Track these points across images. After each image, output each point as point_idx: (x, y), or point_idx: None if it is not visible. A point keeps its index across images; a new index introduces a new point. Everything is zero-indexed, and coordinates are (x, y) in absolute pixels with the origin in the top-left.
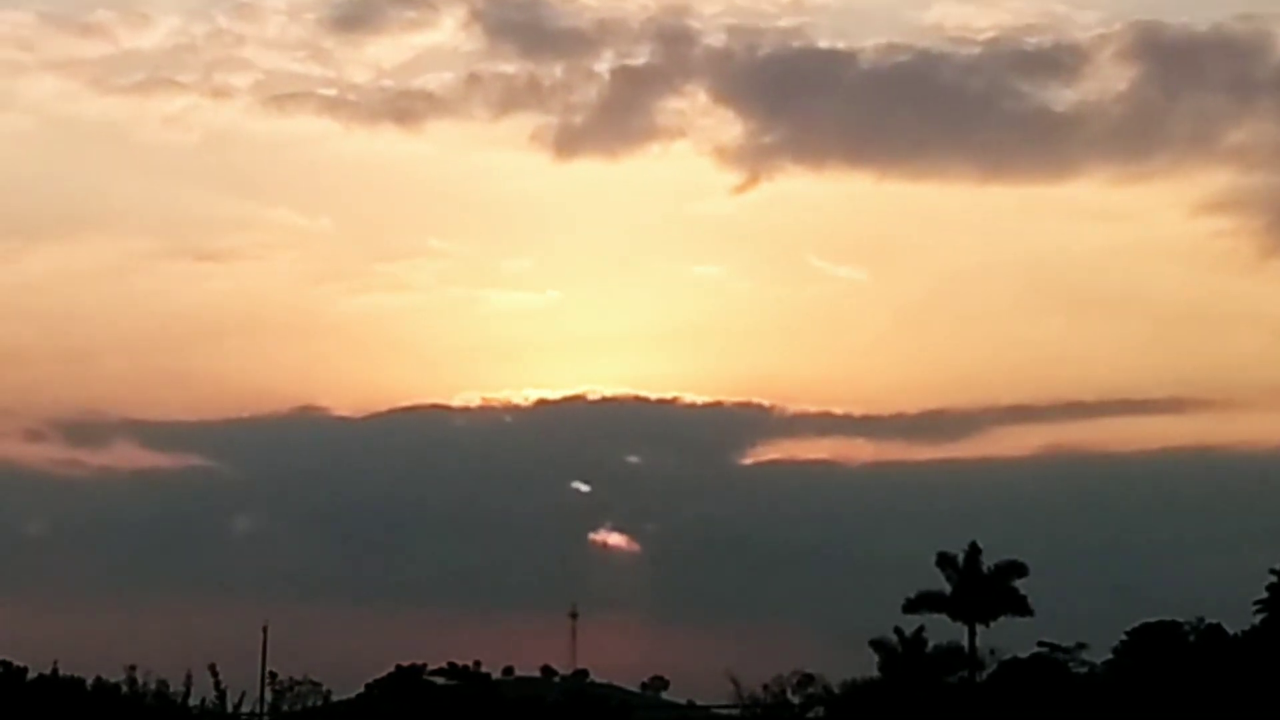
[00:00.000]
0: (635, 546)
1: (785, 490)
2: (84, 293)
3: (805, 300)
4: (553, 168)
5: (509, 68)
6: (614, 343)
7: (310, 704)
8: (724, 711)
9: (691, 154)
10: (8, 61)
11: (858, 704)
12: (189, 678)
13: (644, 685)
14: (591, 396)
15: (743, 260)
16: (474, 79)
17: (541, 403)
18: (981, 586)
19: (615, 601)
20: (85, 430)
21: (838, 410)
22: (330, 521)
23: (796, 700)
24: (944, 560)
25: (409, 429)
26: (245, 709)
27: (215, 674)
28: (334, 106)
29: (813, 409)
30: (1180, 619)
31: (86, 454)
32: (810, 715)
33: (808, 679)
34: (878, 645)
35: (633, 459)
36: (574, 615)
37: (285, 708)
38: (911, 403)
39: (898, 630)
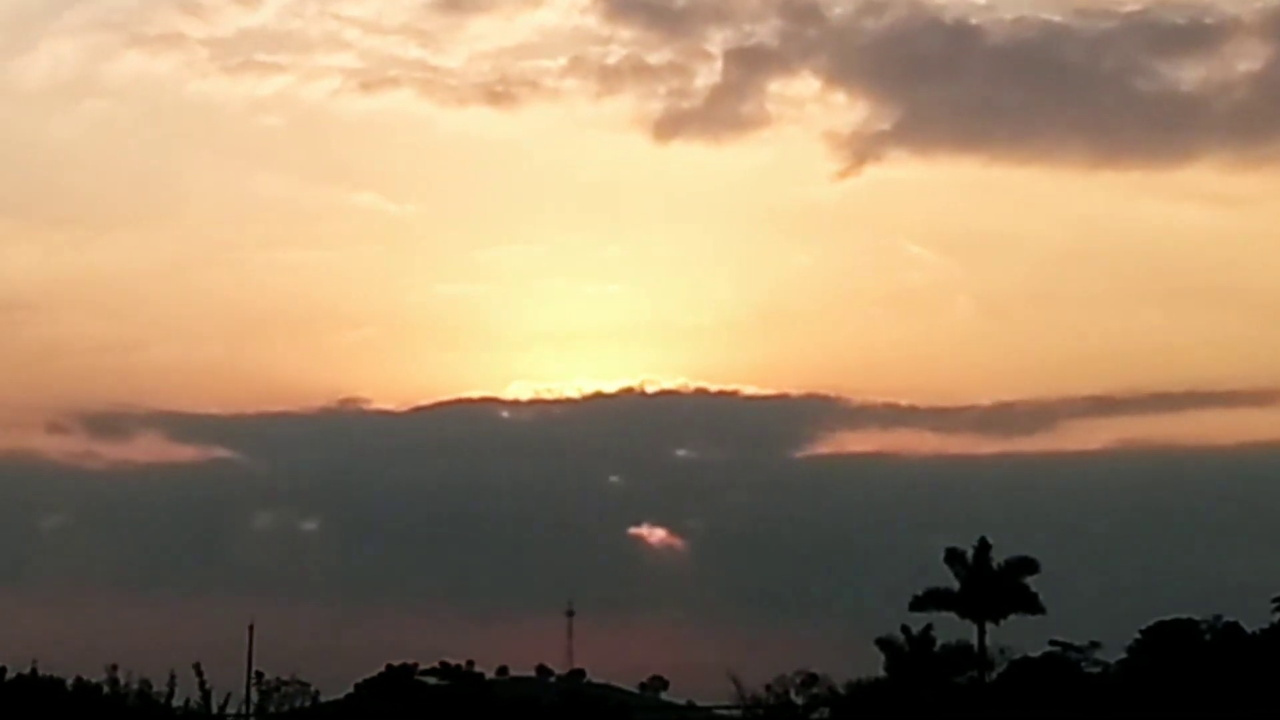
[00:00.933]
0: (675, 542)
1: (838, 484)
2: (149, 281)
3: (892, 289)
4: (652, 152)
5: (617, 48)
6: (680, 332)
7: (298, 705)
8: (725, 713)
9: (796, 138)
10: (99, 44)
11: (863, 705)
12: (173, 678)
13: (642, 685)
14: (649, 389)
15: (835, 249)
16: (578, 60)
17: (597, 395)
18: (991, 583)
19: (640, 600)
20: (113, 421)
21: (905, 402)
22: (356, 519)
23: (800, 701)
24: (952, 556)
25: (449, 423)
26: (231, 710)
27: (200, 674)
28: (431, 88)
29: (880, 400)
30: (1196, 617)
31: (106, 446)
32: (814, 716)
33: (812, 679)
34: (884, 644)
35: (682, 453)
36: (570, 613)
37: (271, 709)
38: (986, 394)
39: (905, 629)
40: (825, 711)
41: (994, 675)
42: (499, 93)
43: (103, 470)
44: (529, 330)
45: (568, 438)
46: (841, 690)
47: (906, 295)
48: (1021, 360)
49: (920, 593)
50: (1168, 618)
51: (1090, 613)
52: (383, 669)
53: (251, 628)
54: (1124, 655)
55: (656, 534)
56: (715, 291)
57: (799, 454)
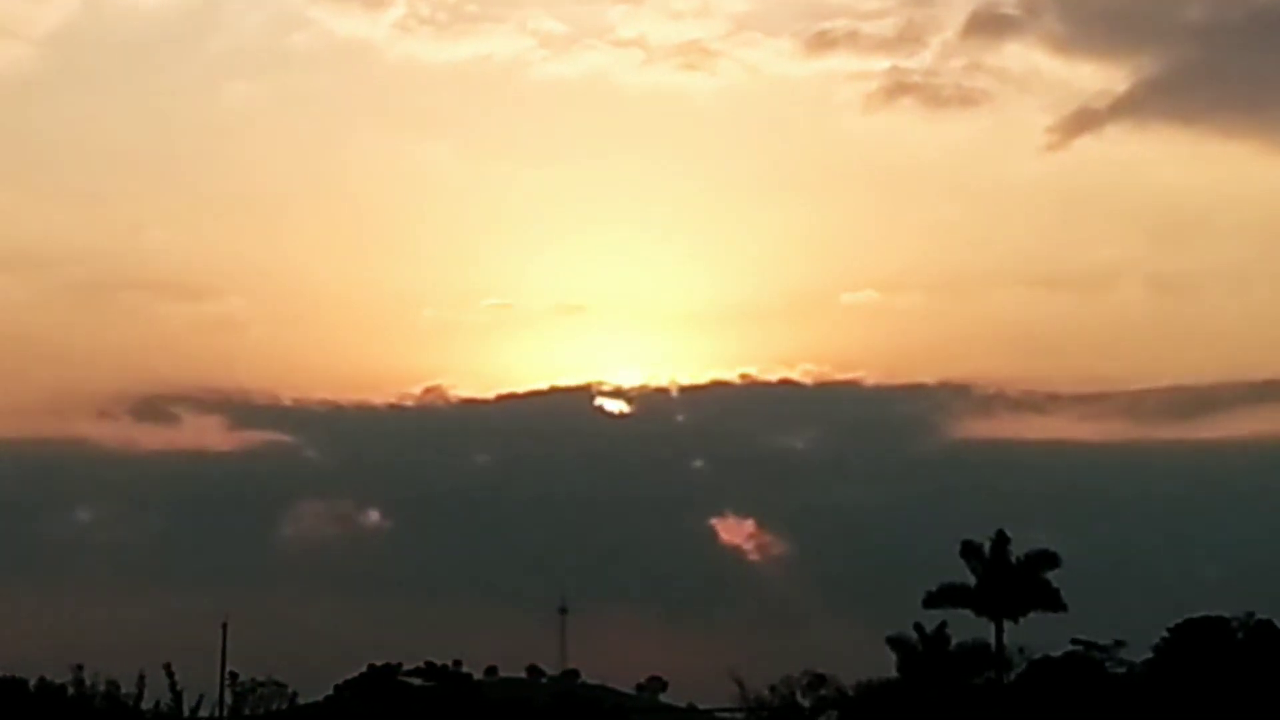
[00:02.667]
0: (765, 539)
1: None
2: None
3: (1069, 268)
4: (860, 120)
5: (841, 17)
6: (822, 313)
7: (274, 707)
8: (726, 715)
9: (1012, 111)
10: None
11: (873, 707)
12: (142, 678)
13: (639, 687)
14: (770, 375)
15: (1021, 225)
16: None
17: (691, 387)
18: (1010, 578)
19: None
20: (157, 406)
21: (1050, 389)
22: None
23: (807, 703)
24: (969, 550)
25: (521, 414)
26: (203, 712)
27: (170, 674)
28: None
29: (1031, 387)
30: (1227, 614)
31: (145, 432)
32: (821, 719)
33: (819, 680)
34: (895, 643)
35: (781, 444)
36: (563, 611)
37: (247, 711)
38: (1156, 378)
39: (918, 626)
40: (833, 714)
41: (1012, 676)
42: (695, 60)
43: (126, 458)
44: (654, 312)
45: (660, 430)
46: (850, 692)
47: (1082, 274)
48: (1198, 344)
49: (934, 588)
50: (1196, 615)
51: (1114, 610)
52: (364, 669)
53: (225, 626)
54: (1150, 655)
55: (745, 529)
56: (871, 272)
57: (923, 445)
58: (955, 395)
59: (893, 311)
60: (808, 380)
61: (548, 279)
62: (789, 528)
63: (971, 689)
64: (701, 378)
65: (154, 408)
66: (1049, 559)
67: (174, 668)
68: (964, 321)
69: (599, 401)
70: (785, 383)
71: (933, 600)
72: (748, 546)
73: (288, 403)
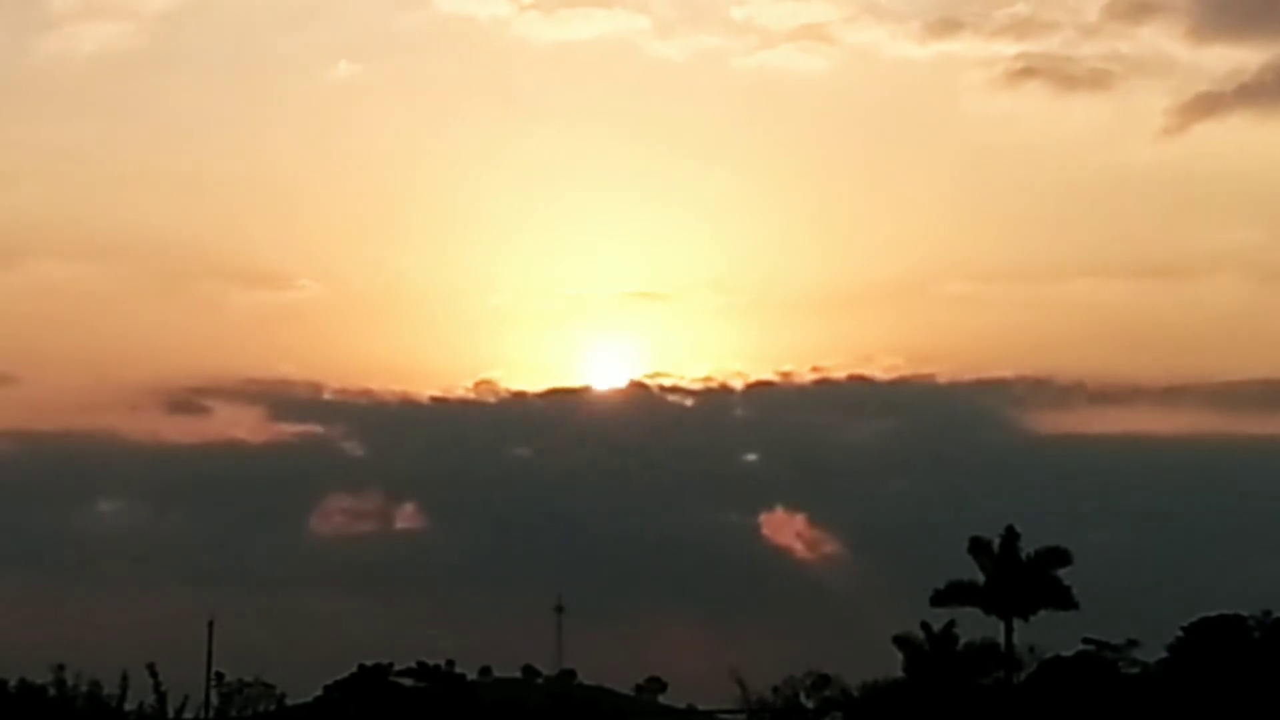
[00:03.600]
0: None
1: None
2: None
3: (1179, 257)
4: (976, 106)
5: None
6: (911, 304)
7: (262, 708)
8: (728, 717)
9: (1134, 93)
10: None
11: (879, 708)
12: (125, 678)
13: (638, 688)
14: (838, 373)
15: (1123, 214)
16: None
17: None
18: (1019, 576)
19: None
20: (193, 397)
21: (1134, 381)
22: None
23: (810, 704)
24: (977, 546)
25: (567, 409)
26: (188, 714)
27: (154, 674)
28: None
29: (1116, 379)
30: (1243, 612)
31: (176, 424)
32: None
33: (823, 680)
34: (902, 642)
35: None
36: (559, 609)
37: (233, 712)
38: (1246, 371)
39: (925, 625)
40: (838, 715)
41: (1022, 676)
42: (811, 43)
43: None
44: (728, 302)
45: (718, 426)
46: (855, 692)
47: (1186, 264)
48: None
49: (942, 586)
50: (1211, 613)
51: (1128, 608)
52: (355, 669)
53: (211, 625)
54: (1164, 654)
55: (793, 526)
56: (969, 261)
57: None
58: (1034, 389)
59: (983, 302)
60: (884, 375)
61: (628, 267)
62: (843, 526)
63: (980, 689)
64: (768, 371)
65: (191, 399)
66: (1060, 556)
67: (158, 668)
68: (1055, 312)
69: (659, 396)
70: (857, 378)
71: (940, 598)
72: (795, 544)
73: (327, 395)
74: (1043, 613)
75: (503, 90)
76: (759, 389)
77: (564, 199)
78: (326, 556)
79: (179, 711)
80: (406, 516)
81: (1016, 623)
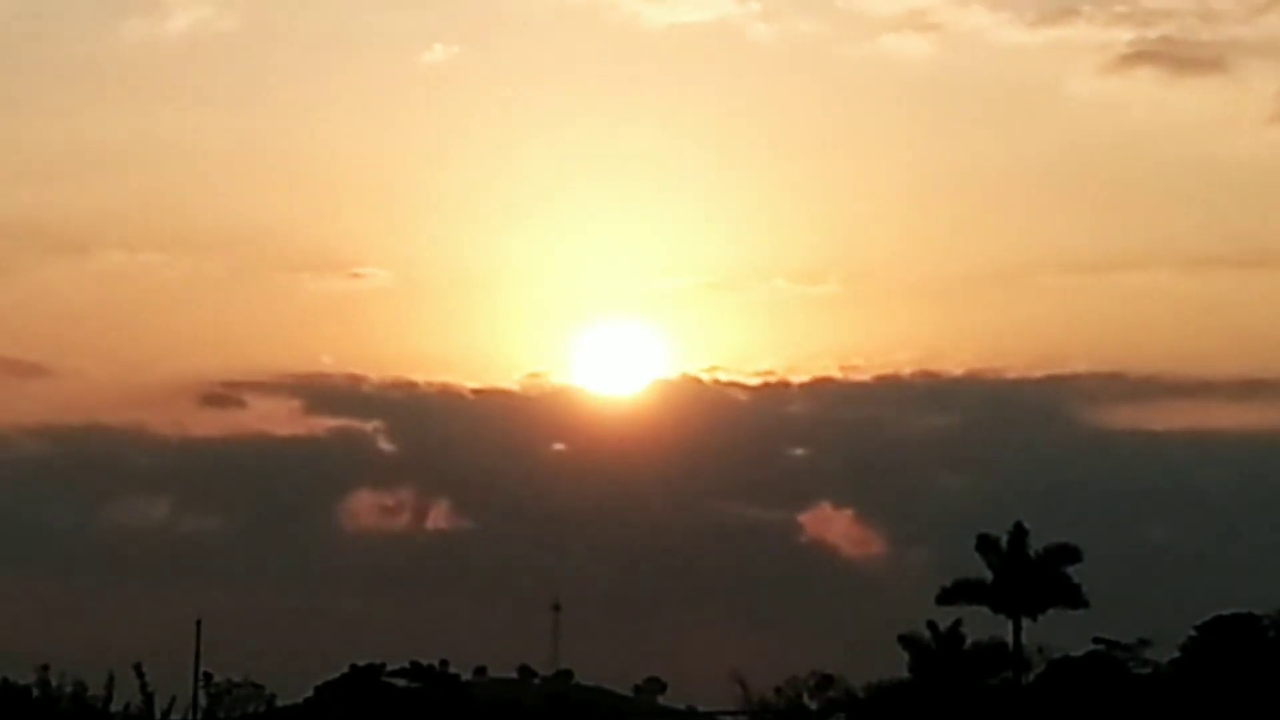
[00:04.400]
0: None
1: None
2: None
3: (1273, 250)
4: (1090, 87)
5: None
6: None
7: (251, 709)
8: (729, 718)
9: (1247, 79)
10: None
11: (884, 709)
12: (111, 679)
13: (637, 688)
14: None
15: (1230, 201)
16: None
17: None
18: (1028, 573)
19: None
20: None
21: (1207, 376)
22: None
23: (814, 705)
24: (984, 543)
25: (616, 404)
26: (176, 715)
27: (141, 675)
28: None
29: (1189, 373)
30: (1258, 611)
31: (213, 416)
32: None
33: (826, 680)
34: (908, 641)
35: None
36: (557, 608)
37: (222, 713)
38: None
39: (931, 624)
40: (842, 716)
41: (1031, 676)
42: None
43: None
44: (795, 294)
45: (771, 423)
46: (860, 693)
47: (1273, 255)
48: None
49: (949, 584)
50: (1226, 612)
51: (1138, 607)
52: (346, 669)
53: (199, 624)
54: (1177, 654)
55: (840, 523)
56: (1055, 253)
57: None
58: (1104, 384)
59: (1067, 295)
60: (954, 370)
61: (710, 257)
62: (894, 523)
63: (987, 690)
64: (832, 367)
65: (230, 391)
66: (1069, 553)
67: (145, 668)
68: (1135, 305)
69: (715, 390)
70: (925, 374)
71: (947, 596)
72: (841, 542)
73: (367, 387)
74: (1052, 611)
75: (595, 75)
76: (820, 384)
77: (634, 188)
78: (332, 554)
79: (166, 712)
80: (439, 515)
81: (1025, 622)
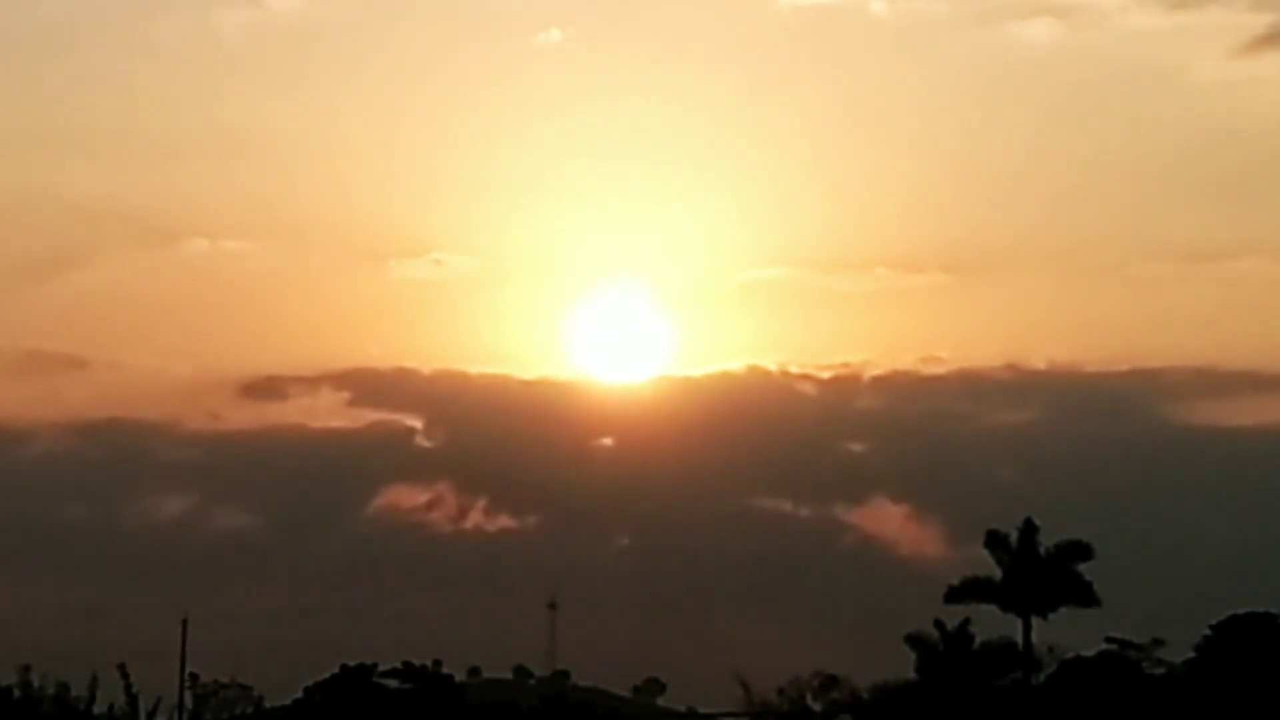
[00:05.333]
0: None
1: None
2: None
3: None
4: (1216, 71)
5: None
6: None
7: (238, 711)
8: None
9: None
10: None
11: (890, 710)
12: (94, 679)
13: (636, 689)
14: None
15: None
16: None
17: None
18: (1038, 571)
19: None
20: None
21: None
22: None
23: (818, 707)
24: (993, 540)
25: (674, 395)
26: (161, 716)
27: (125, 675)
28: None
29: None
30: (1275, 610)
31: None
32: None
33: (830, 681)
34: (914, 641)
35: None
36: (553, 606)
37: (208, 715)
38: None
39: (938, 623)
40: (846, 718)
41: (1041, 677)
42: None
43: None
44: (872, 285)
45: (837, 417)
46: (865, 694)
47: None
48: None
49: (957, 582)
50: (1241, 611)
51: (1152, 606)
52: (336, 670)
53: (185, 623)
54: (1192, 654)
55: (897, 518)
56: (1170, 243)
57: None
58: (1190, 379)
59: (1164, 285)
60: (1038, 363)
61: (808, 246)
62: (952, 521)
63: (997, 691)
64: (912, 360)
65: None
66: (1081, 550)
67: (129, 668)
68: (1229, 296)
69: (781, 382)
70: (1009, 367)
71: (955, 595)
72: (898, 538)
73: (417, 379)
74: (1063, 610)
75: (709, 59)
76: (894, 378)
77: (732, 175)
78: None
79: (151, 714)
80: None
81: (1035, 621)
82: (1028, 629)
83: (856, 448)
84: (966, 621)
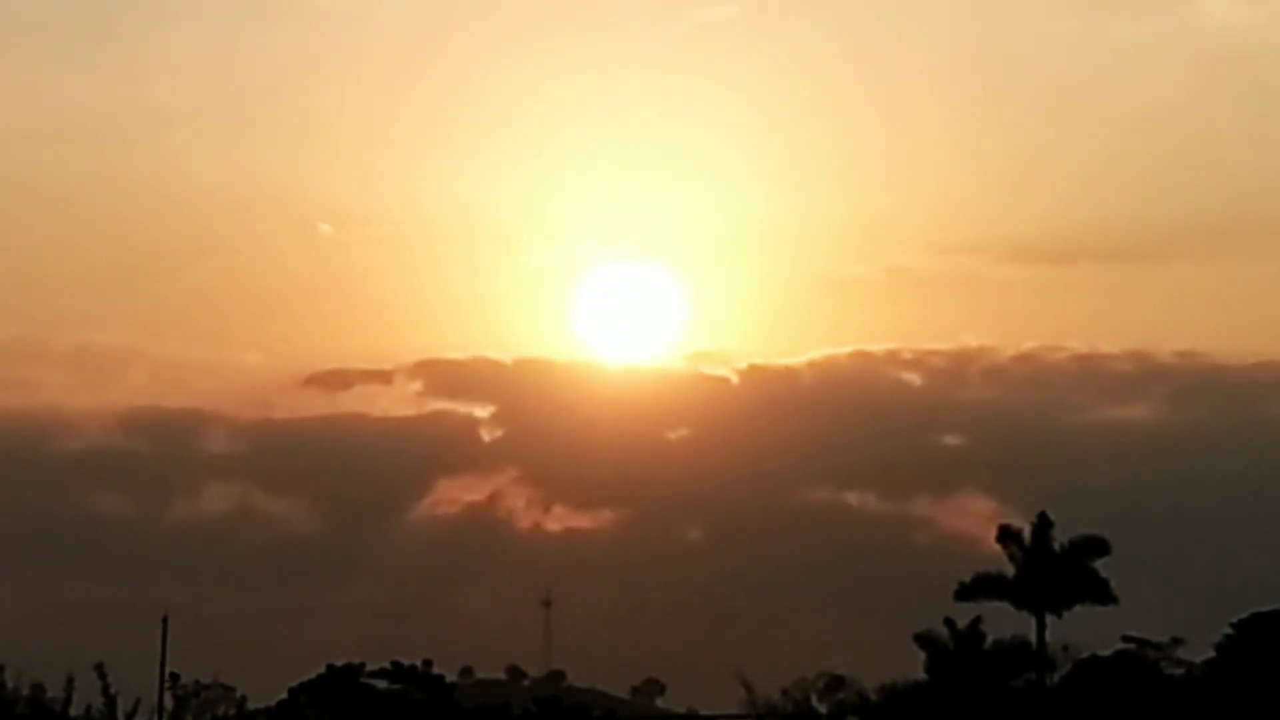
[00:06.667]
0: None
1: None
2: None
3: None
4: None
5: None
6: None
7: (220, 713)
8: None
9: None
10: None
11: (898, 712)
12: (70, 681)
13: (634, 690)
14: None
15: None
16: None
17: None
18: (1052, 567)
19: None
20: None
21: None
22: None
23: (824, 708)
24: (1006, 535)
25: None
26: (140, 718)
27: (103, 675)
28: None
29: None
30: None
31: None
32: None
33: (837, 682)
34: (924, 640)
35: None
36: (547, 604)
37: (189, 717)
38: None
39: (949, 622)
40: None
41: (1056, 677)
42: None
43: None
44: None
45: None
46: (873, 695)
47: None
48: None
49: (967, 578)
50: (1264, 609)
51: (1170, 604)
52: (323, 670)
53: (165, 621)
54: (1211, 654)
55: (982, 511)
56: None
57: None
58: None
59: None
60: (1164, 354)
61: (946, 231)
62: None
63: (1010, 692)
64: (1033, 346)
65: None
66: (1097, 545)
67: (107, 668)
68: None
69: (881, 369)
70: (1134, 355)
71: (966, 592)
72: (978, 532)
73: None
74: (1078, 608)
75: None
76: (1010, 364)
77: (846, 159)
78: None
79: (130, 715)
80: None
81: (1049, 619)
82: (1042, 627)
83: (953, 440)
84: (978, 620)
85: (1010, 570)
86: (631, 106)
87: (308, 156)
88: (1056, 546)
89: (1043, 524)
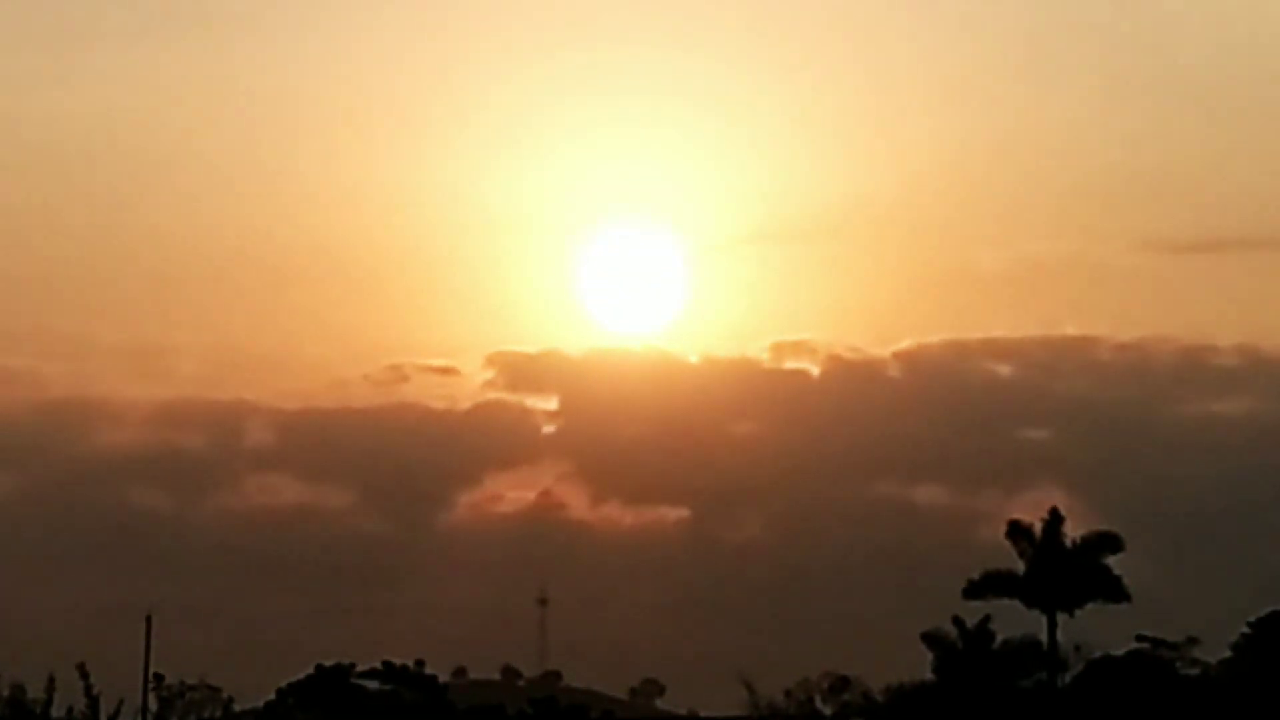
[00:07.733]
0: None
1: None
2: None
3: None
4: None
5: None
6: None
7: (206, 714)
8: None
9: None
10: None
11: (905, 713)
12: (51, 681)
13: (633, 691)
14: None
15: None
16: None
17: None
18: (1064, 564)
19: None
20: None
21: None
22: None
23: (828, 710)
24: (1016, 530)
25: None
26: (123, 719)
27: (85, 676)
28: None
29: None
30: None
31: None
32: None
33: (841, 682)
34: (932, 640)
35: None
36: (543, 602)
37: (174, 718)
38: None
39: (957, 620)
40: None
41: (1068, 677)
42: None
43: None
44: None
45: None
46: (879, 696)
47: None
48: None
49: (976, 576)
50: None
51: (1186, 602)
52: (312, 670)
53: (149, 620)
54: (1228, 653)
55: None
56: None
57: None
58: None
59: None
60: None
61: (1064, 223)
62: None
63: (1019, 692)
64: (1138, 336)
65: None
66: (1110, 542)
67: (89, 667)
68: None
69: (967, 359)
70: (1242, 349)
71: (975, 590)
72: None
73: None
74: (1090, 606)
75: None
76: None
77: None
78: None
79: (113, 717)
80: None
81: (1061, 617)
82: (1053, 626)
83: (1035, 433)
84: (987, 618)
85: (1021, 567)
86: (710, 93)
87: (378, 149)
88: (1068, 543)
89: (1054, 520)
